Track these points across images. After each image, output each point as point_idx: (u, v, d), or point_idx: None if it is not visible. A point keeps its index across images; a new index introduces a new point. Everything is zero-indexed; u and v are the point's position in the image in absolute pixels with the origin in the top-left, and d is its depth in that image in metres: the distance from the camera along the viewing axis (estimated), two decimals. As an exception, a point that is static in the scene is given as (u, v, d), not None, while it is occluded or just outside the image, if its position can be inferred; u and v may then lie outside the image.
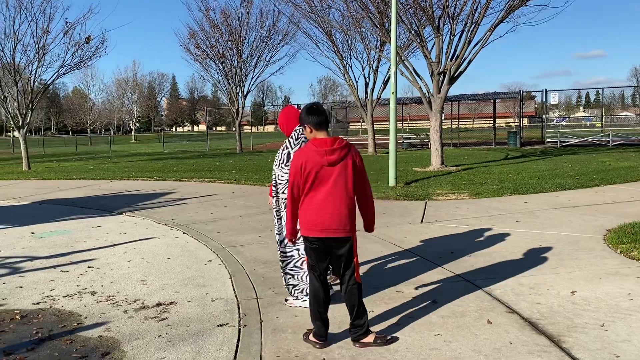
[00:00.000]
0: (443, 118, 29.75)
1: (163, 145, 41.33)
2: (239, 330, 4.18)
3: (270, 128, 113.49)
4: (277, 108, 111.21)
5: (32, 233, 8.35)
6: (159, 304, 4.85)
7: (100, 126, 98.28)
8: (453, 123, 33.60)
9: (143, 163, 23.87)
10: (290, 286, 4.64)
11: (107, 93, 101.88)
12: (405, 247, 6.68)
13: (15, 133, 21.74)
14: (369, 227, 4.07)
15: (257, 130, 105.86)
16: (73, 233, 8.27)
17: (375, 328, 4.07)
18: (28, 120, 21.97)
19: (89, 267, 6.24)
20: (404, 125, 43.38)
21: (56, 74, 21.97)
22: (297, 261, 4.55)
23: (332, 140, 3.70)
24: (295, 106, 4.73)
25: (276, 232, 4.66)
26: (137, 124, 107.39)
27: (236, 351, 3.78)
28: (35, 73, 21.32)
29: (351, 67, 25.19)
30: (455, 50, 15.32)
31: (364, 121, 28.02)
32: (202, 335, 4.08)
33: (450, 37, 15.42)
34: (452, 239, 7.11)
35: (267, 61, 29.18)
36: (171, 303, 4.86)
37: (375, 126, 26.50)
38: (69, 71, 22.16)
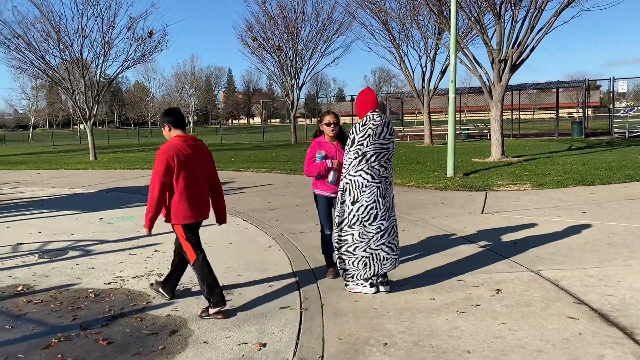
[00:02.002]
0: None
1: (220, 137, 42.26)
2: (301, 313, 4.24)
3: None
4: (330, 100, 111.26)
5: (101, 218, 8.75)
6: (222, 287, 4.98)
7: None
8: (513, 114, 32.55)
9: (202, 154, 24.46)
10: (342, 270, 4.63)
11: (166, 87, 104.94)
12: (466, 237, 6.56)
13: (82, 125, 22.72)
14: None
15: (311, 122, 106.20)
16: (138, 219, 8.60)
17: (436, 316, 4.03)
18: (94, 113, 22.96)
19: (155, 250, 6.49)
20: (461, 116, 42.49)
21: (120, 67, 22.82)
22: (351, 246, 4.52)
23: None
24: (373, 90, 4.68)
25: (336, 214, 4.64)
26: (195, 117, 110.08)
27: (299, 333, 3.85)
28: (101, 67, 22.24)
29: (407, 57, 24.87)
30: (517, 37, 14.83)
31: (419, 112, 27.59)
32: (266, 317, 4.17)
33: (512, 23, 14.93)
34: (514, 229, 6.92)
35: (322, 52, 29.25)
36: (235, 286, 4.99)
37: (431, 117, 26.05)
38: (132, 65, 23.02)
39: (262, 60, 29.44)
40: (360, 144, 4.40)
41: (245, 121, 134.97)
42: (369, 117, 4.47)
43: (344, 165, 4.54)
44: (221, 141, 38.67)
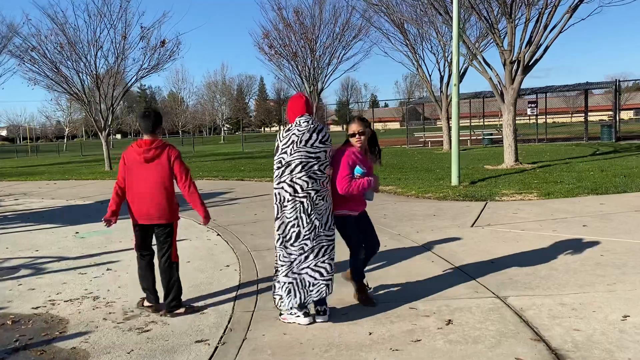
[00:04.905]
0: (533, 112, 27.90)
1: (242, 145, 42.22)
2: (216, 348, 3.76)
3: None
4: (361, 106, 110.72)
5: (77, 233, 8.47)
6: (151, 313, 4.55)
7: (193, 128, 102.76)
8: (539, 117, 31.35)
9: (215, 163, 24.31)
10: (277, 297, 4.06)
11: (197, 96, 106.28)
12: (440, 255, 5.96)
13: (115, 135, 22.82)
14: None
15: (343, 128, 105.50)
16: (114, 233, 8.28)
17: (365, 354, 3.49)
18: (109, 123, 23.05)
19: (108, 269, 6.12)
20: (484, 121, 41.30)
21: (135, 77, 22.86)
22: (277, 270, 4.03)
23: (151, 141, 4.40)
24: (304, 94, 4.17)
25: (277, 232, 4.01)
26: (228, 125, 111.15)
27: (199, 374, 3.36)
28: (115, 78, 22.31)
29: (424, 60, 24.18)
30: (530, 37, 14.02)
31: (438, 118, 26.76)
32: (175, 353, 3.71)
33: (525, 22, 14.15)
34: (498, 246, 6.27)
35: (340, 58, 28.76)
36: (164, 313, 4.54)
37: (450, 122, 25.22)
38: (147, 75, 23.02)
39: (280, 66, 29.18)
40: (284, 152, 3.90)
41: (277, 128, 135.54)
42: (295, 122, 3.97)
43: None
44: (242, 149, 38.60)
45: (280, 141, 3.93)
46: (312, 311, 4.17)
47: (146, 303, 4.63)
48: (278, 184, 3.89)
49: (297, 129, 3.91)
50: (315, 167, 3.93)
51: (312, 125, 3.95)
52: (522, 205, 8.97)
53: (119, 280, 5.60)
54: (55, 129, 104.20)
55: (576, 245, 6.07)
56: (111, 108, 22.78)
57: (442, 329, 3.87)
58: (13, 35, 22.93)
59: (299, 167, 3.87)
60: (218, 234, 7.88)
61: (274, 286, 4.07)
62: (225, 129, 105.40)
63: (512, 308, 4.21)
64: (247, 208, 10.27)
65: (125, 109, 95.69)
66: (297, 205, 3.87)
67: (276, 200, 3.88)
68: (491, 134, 29.55)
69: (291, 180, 3.87)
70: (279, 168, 3.91)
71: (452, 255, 5.91)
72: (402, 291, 4.77)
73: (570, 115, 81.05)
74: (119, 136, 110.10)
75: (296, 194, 3.87)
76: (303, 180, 3.88)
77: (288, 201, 3.86)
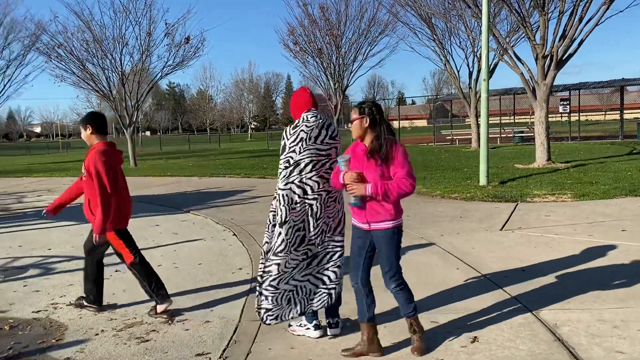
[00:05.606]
0: (566, 109, 26.95)
1: (267, 143, 42.11)
2: (216, 362, 3.46)
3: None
4: (388, 104, 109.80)
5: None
6: (154, 320, 4.28)
7: (220, 125, 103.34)
8: (572, 115, 30.32)
9: (239, 160, 24.16)
10: (263, 310, 3.62)
11: (225, 94, 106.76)
12: (466, 261, 5.55)
13: (146, 132, 22.90)
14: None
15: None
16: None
17: (377, 375, 3.14)
18: (134, 120, 23.09)
19: (116, 270, 5.88)
20: (515, 118, 40.26)
21: (160, 74, 22.85)
22: (275, 279, 3.57)
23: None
24: (308, 88, 3.80)
25: (265, 239, 3.64)
26: (255, 123, 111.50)
27: (194, 394, 3.06)
28: (140, 75, 22.33)
29: (451, 56, 23.55)
30: (564, 30, 13.38)
31: (466, 115, 26.11)
32: (173, 367, 3.42)
33: (559, 15, 13.50)
34: (530, 251, 5.83)
35: (366, 55, 28.28)
36: (167, 321, 4.26)
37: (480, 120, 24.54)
38: (172, 72, 22.98)
39: (305, 63, 28.86)
40: (292, 151, 3.55)
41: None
42: (302, 118, 3.62)
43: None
44: (267, 147, 38.47)
45: (288, 139, 3.59)
46: (324, 323, 3.84)
47: (160, 309, 4.37)
48: (285, 184, 3.55)
49: (306, 125, 3.57)
50: (327, 166, 3.58)
51: (320, 121, 3.61)
52: (555, 207, 8.46)
53: (126, 284, 5.36)
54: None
55: (615, 252, 5.59)
56: (136, 105, 22.80)
57: (466, 347, 3.49)
58: (41, 32, 23.15)
59: (309, 167, 3.52)
60: (234, 234, 7.62)
61: (263, 297, 3.61)
62: (252, 126, 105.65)
63: (545, 324, 3.80)
64: (266, 207, 9.95)
65: (153, 105, 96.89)
66: (306, 208, 3.54)
67: (283, 203, 3.54)
68: (522, 132, 28.69)
69: (300, 181, 3.53)
70: (286, 168, 3.56)
71: (478, 262, 5.50)
72: (423, 301, 4.39)
73: (603, 112, 78.68)
74: (148, 133, 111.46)
75: (306, 196, 3.52)
76: (314, 180, 3.53)
77: (297, 203, 3.53)
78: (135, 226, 8.59)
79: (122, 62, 22.05)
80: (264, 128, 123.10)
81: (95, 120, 4.41)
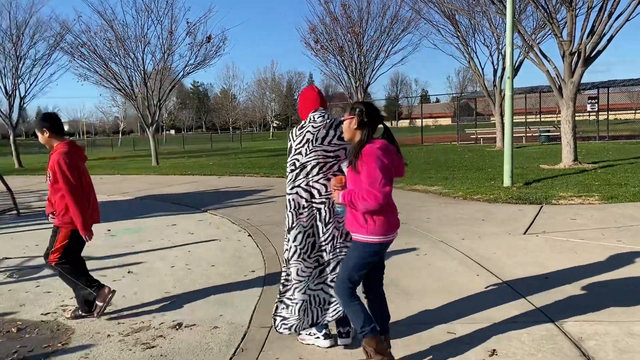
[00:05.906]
0: (594, 108, 26.31)
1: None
2: (221, 372, 3.33)
3: (404, 123, 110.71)
4: (411, 102, 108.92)
5: (108, 230, 8.28)
6: (161, 324, 4.18)
7: (243, 124, 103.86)
8: (601, 114, 29.53)
9: (259, 159, 24.13)
10: (279, 318, 3.56)
11: (248, 92, 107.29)
12: (487, 267, 5.33)
13: (170, 131, 23.05)
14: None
15: (391, 125, 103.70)
16: (145, 232, 8.05)
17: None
18: (157, 119, 23.23)
19: (129, 272, 5.82)
20: (541, 117, 39.43)
21: (182, 73, 22.93)
22: (289, 289, 3.49)
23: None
24: (316, 87, 3.63)
25: (285, 247, 3.54)
26: (277, 122, 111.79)
27: (196, 406, 2.94)
28: (162, 74, 22.44)
29: (476, 53, 23.11)
30: (593, 26, 12.95)
31: (490, 114, 25.63)
32: (176, 376, 3.30)
33: (587, 10, 13.07)
34: (554, 257, 5.58)
35: (388, 52, 27.99)
36: (175, 326, 4.15)
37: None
38: (193, 70, 23.05)
39: (326, 62, 28.70)
40: (298, 153, 3.41)
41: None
42: (309, 119, 3.47)
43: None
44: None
45: (294, 141, 3.44)
46: (334, 331, 3.68)
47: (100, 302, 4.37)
48: (292, 188, 3.40)
49: (312, 126, 3.42)
50: (335, 168, 3.42)
51: (328, 121, 3.45)
52: (582, 209, 8.15)
53: (137, 286, 5.28)
54: (113, 125, 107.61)
55: (646, 260, 5.31)
56: (158, 104, 22.93)
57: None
58: (66, 32, 23.45)
59: (316, 169, 3.37)
60: (249, 235, 7.50)
61: (284, 305, 3.54)
62: (274, 125, 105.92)
63: (569, 337, 3.58)
64: (283, 207, 9.85)
65: (177, 104, 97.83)
66: (314, 212, 3.38)
67: (290, 208, 3.40)
68: (548, 131, 28.05)
69: (307, 184, 3.38)
70: (292, 171, 3.42)
71: (500, 268, 5.27)
72: (440, 309, 4.20)
73: (633, 111, 76.71)
74: (172, 132, 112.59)
75: (313, 200, 3.38)
76: (320, 183, 3.38)
77: (304, 208, 3.38)
78: (153, 225, 8.59)
79: (144, 61, 22.22)
80: (285, 127, 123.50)
81: (50, 122, 4.30)
